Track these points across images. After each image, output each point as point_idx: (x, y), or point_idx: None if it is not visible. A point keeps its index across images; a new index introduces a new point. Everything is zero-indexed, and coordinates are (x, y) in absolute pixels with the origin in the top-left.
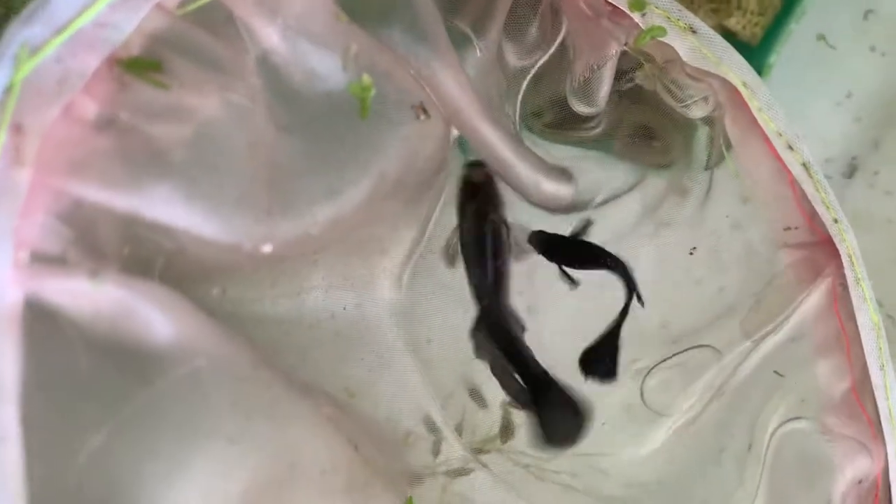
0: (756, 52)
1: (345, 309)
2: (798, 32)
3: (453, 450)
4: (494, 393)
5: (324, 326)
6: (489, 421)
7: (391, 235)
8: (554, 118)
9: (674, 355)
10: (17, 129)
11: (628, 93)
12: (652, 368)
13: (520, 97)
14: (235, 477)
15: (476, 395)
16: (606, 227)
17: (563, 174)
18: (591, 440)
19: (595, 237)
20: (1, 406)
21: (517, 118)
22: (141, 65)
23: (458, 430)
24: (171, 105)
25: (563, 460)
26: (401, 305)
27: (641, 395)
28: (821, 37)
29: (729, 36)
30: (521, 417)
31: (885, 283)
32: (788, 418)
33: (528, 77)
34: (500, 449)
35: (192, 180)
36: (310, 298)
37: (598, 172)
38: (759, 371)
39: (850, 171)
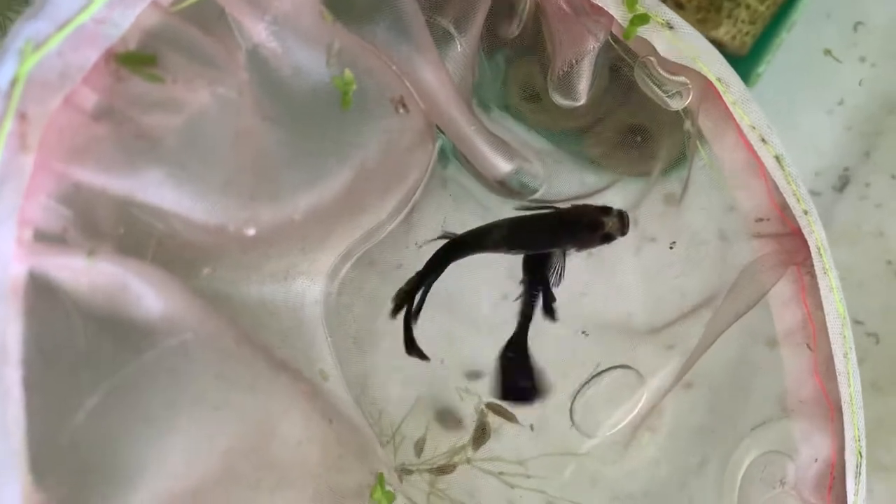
0: (744, 62)
1: (329, 296)
2: (789, 42)
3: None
4: (468, 401)
5: (307, 311)
6: (456, 436)
7: (374, 227)
8: (532, 104)
9: (598, 374)
10: (22, 117)
11: (613, 88)
12: (579, 390)
13: (490, 82)
14: (218, 441)
15: (446, 412)
16: None
17: (513, 153)
18: (574, 448)
19: None
20: (5, 368)
21: (486, 102)
22: (136, 59)
23: (419, 448)
24: (164, 97)
25: (543, 467)
26: (374, 294)
27: (571, 415)
28: (827, 51)
29: (716, 47)
30: (497, 421)
31: (867, 298)
32: (765, 451)
33: (500, 61)
34: (469, 460)
35: (181, 166)
36: (296, 284)
37: (557, 168)
38: (732, 367)
39: (843, 183)
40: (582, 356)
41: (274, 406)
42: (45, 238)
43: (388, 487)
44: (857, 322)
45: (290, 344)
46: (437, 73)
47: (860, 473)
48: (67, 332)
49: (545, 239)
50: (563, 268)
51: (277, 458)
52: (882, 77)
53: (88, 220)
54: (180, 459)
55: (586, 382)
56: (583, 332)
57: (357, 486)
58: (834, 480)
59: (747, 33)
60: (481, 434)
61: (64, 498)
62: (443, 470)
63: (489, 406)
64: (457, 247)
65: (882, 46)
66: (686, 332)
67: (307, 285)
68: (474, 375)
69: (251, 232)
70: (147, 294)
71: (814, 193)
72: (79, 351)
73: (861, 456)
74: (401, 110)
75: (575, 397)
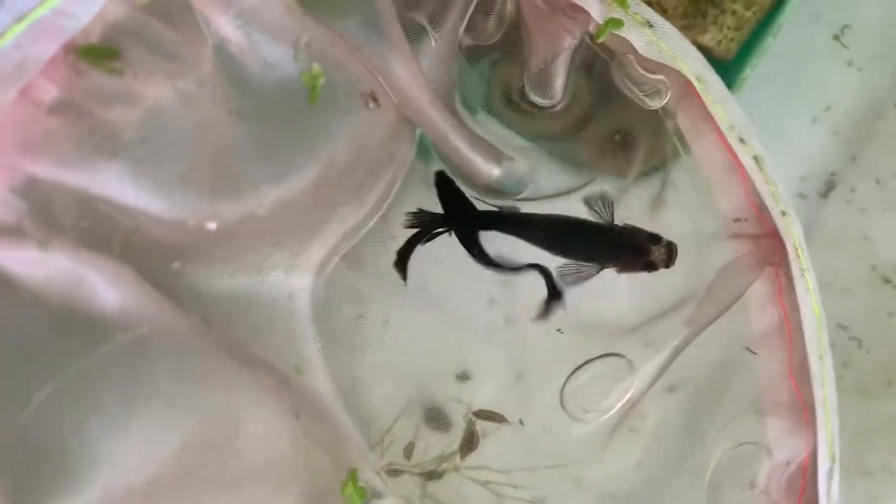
0: (730, 68)
1: (302, 290)
2: (776, 47)
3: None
4: (457, 406)
5: (281, 305)
6: (446, 439)
7: (348, 220)
8: (514, 106)
9: (589, 361)
10: None
11: (597, 91)
12: (570, 376)
13: (476, 85)
14: (174, 436)
15: (435, 412)
16: None
17: (497, 155)
18: (561, 451)
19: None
20: None
21: (472, 105)
22: (99, 52)
23: (408, 451)
24: (123, 90)
25: (531, 475)
26: (355, 290)
27: (561, 398)
28: (836, 37)
29: (702, 52)
30: (484, 429)
31: (851, 302)
32: (738, 444)
33: (486, 66)
34: (456, 468)
35: (138, 160)
36: (269, 278)
37: (537, 167)
38: (716, 368)
39: (828, 187)
40: (563, 355)
41: (236, 401)
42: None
43: (377, 487)
44: (840, 326)
45: (264, 339)
46: (409, 68)
47: (833, 477)
48: (19, 324)
49: (589, 250)
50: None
51: (241, 453)
52: (869, 81)
53: (46, 213)
54: (135, 453)
55: (578, 368)
56: (557, 331)
57: (327, 482)
58: (807, 484)
59: (733, 39)
60: (469, 443)
61: (10, 494)
62: (431, 476)
63: (477, 414)
64: (492, 217)
65: (869, 51)
66: (662, 331)
67: (281, 280)
68: (464, 377)
69: (212, 226)
70: (103, 288)
71: (800, 197)
72: (31, 344)
73: (834, 460)
74: (371, 105)
75: (565, 383)
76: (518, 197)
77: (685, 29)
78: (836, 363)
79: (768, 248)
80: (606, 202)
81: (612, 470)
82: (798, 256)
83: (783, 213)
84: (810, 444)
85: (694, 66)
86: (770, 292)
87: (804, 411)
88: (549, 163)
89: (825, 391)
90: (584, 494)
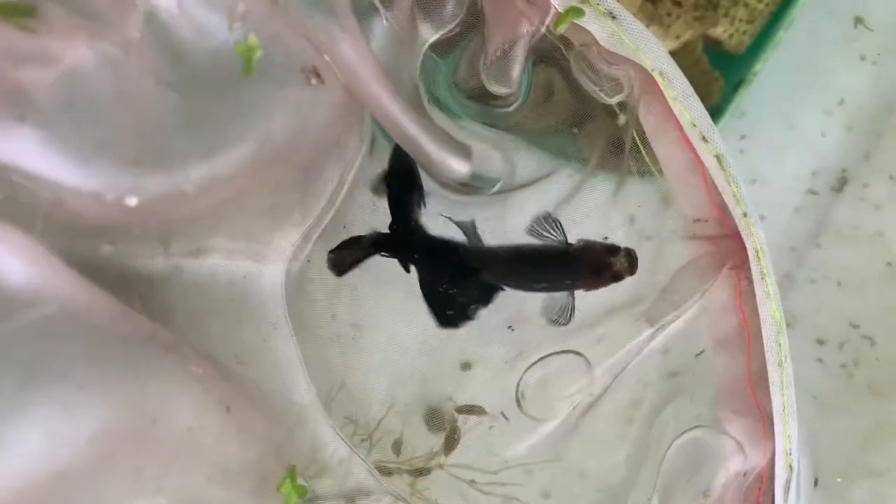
0: (742, 61)
1: (244, 277)
2: (789, 40)
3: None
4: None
5: (221, 291)
6: (434, 438)
7: (296, 206)
8: (475, 96)
9: (545, 357)
10: None
11: (555, 83)
12: (524, 372)
13: (444, 77)
14: (83, 422)
15: (434, 412)
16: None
17: (463, 151)
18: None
19: (513, 221)
20: None
21: (429, 93)
22: (14, 10)
23: (397, 447)
24: (38, 49)
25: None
26: (302, 279)
27: (517, 399)
28: (859, 20)
29: (714, 45)
30: (468, 424)
31: (867, 299)
32: (687, 428)
33: (458, 53)
34: (441, 465)
35: (52, 125)
36: (208, 262)
37: (507, 161)
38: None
39: (841, 183)
40: (514, 350)
41: (156, 389)
42: None
43: (366, 485)
44: (853, 325)
45: (202, 327)
46: (356, 46)
47: (790, 489)
48: None
49: (551, 278)
50: (572, 308)
51: (163, 443)
52: (883, 75)
53: None
54: (38, 439)
55: (532, 365)
56: (509, 328)
57: (261, 478)
58: (763, 496)
59: (745, 32)
60: (452, 437)
61: None
62: (420, 472)
63: (459, 409)
64: (445, 251)
65: (883, 44)
66: (614, 329)
67: (223, 265)
68: (467, 366)
69: (132, 201)
70: (9, 262)
71: (811, 193)
72: None
73: (792, 469)
74: (314, 81)
75: (520, 380)
76: (490, 193)
77: (697, 21)
78: (848, 361)
79: (728, 249)
80: (553, 223)
81: (609, 460)
82: (759, 259)
83: (745, 215)
84: (768, 454)
85: (656, 60)
86: (730, 296)
87: (762, 420)
88: (525, 154)
89: (784, 399)
90: (587, 484)
